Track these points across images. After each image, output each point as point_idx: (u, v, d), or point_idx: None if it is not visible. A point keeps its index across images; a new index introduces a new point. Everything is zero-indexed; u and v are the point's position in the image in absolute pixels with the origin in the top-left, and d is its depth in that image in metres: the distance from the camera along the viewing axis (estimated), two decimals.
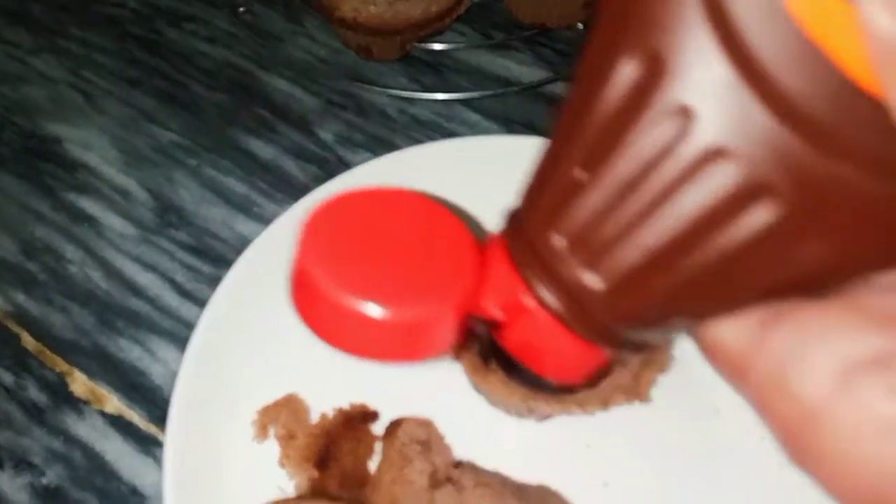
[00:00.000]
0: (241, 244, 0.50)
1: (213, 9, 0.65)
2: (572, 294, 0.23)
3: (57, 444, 0.45)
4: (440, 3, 0.56)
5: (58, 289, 0.51)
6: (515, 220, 0.25)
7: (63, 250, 0.52)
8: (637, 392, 0.39)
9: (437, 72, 0.61)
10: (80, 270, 0.51)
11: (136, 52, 0.63)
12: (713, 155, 0.19)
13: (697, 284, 0.21)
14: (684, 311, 0.22)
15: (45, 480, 0.44)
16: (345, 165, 0.55)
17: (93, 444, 0.45)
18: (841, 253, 0.19)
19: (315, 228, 0.24)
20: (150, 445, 0.45)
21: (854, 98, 0.17)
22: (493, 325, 0.25)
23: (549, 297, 0.23)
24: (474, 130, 0.57)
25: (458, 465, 0.41)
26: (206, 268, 0.51)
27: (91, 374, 0.47)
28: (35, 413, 0.46)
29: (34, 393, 0.47)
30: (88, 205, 0.54)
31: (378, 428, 0.43)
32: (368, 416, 0.43)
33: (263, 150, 0.57)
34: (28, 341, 0.49)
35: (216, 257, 0.52)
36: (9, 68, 0.62)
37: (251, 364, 0.44)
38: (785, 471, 0.41)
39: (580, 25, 0.60)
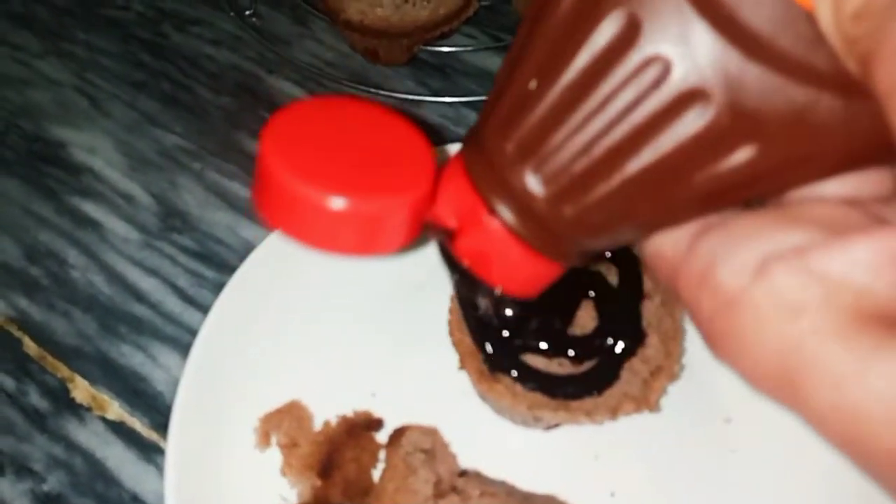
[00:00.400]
0: (245, 249, 0.49)
1: (218, 12, 0.65)
2: (521, 201, 0.24)
3: (58, 451, 0.45)
4: (447, 6, 0.56)
5: (60, 294, 0.50)
6: (472, 135, 0.26)
7: (66, 255, 0.52)
8: (646, 401, 0.38)
9: (444, 75, 0.60)
10: (83, 275, 0.51)
11: (142, 56, 0.63)
12: (652, 62, 0.20)
13: (636, 190, 0.22)
14: (624, 219, 0.23)
15: (45, 487, 0.43)
16: None
17: (94, 450, 0.45)
18: (767, 157, 0.20)
19: (278, 127, 0.25)
20: (151, 452, 0.44)
21: (788, 11, 0.19)
22: (448, 235, 0.26)
23: (501, 205, 0.24)
24: None
25: (463, 473, 0.40)
26: (209, 273, 0.51)
27: (93, 380, 0.47)
28: (36, 419, 0.46)
29: (35, 399, 0.46)
30: (92, 209, 0.54)
31: (382, 436, 0.42)
32: (372, 423, 0.42)
33: None
34: (30, 346, 0.48)
35: (220, 262, 0.51)
36: (14, 72, 0.62)
37: (254, 370, 0.43)
38: (796, 481, 0.40)
39: None
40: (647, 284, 0.41)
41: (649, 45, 0.20)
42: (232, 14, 0.63)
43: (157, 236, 0.53)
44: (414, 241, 0.27)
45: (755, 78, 0.19)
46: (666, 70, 0.20)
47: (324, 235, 0.25)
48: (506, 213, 0.24)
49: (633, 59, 0.20)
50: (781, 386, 0.19)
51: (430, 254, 0.47)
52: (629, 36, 0.20)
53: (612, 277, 0.42)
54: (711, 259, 0.21)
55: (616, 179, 0.22)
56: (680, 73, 0.20)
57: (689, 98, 0.20)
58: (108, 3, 0.66)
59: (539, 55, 0.22)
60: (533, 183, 0.23)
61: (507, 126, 0.24)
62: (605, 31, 0.21)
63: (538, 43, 0.22)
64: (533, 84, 0.23)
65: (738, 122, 0.20)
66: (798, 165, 0.21)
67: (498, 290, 0.27)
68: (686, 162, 0.21)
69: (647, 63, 0.20)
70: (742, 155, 0.20)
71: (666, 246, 0.23)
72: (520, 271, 0.26)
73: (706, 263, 0.21)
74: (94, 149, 0.57)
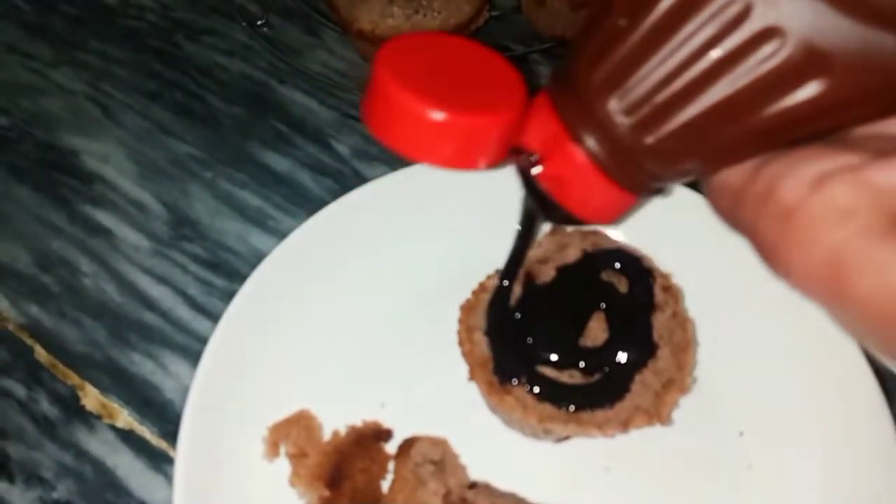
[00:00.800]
0: (256, 258, 0.49)
1: (230, 22, 0.65)
2: (603, 129, 0.26)
3: (68, 459, 0.45)
4: (458, 16, 0.56)
5: (71, 301, 0.50)
6: (559, 72, 0.29)
7: (78, 263, 0.52)
8: (658, 414, 0.37)
9: None
10: (94, 283, 0.51)
11: (155, 65, 0.63)
12: (734, 2, 0.22)
13: (711, 120, 0.24)
14: (698, 149, 0.26)
15: (55, 495, 0.44)
16: (361, 179, 0.55)
17: (104, 458, 0.45)
18: (833, 92, 0.22)
19: (391, 50, 0.29)
20: (160, 461, 0.44)
21: None
22: (531, 161, 0.29)
23: (584, 133, 0.27)
24: None
25: (473, 485, 0.40)
26: (219, 281, 0.51)
27: (103, 388, 0.47)
28: (47, 427, 0.46)
29: (46, 406, 0.46)
30: (104, 217, 0.54)
31: (391, 447, 0.42)
32: (382, 434, 0.42)
33: (279, 163, 0.56)
34: (41, 354, 0.48)
35: (230, 271, 0.51)
36: (28, 80, 0.62)
37: (263, 380, 0.43)
38: (808, 495, 0.40)
39: None
40: (658, 296, 0.41)
41: None
42: (244, 24, 0.64)
43: (167, 245, 0.53)
44: (500, 162, 0.30)
45: (827, 18, 0.21)
46: (747, 8, 0.22)
47: (424, 146, 0.29)
48: (588, 140, 0.27)
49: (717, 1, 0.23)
50: (828, 282, 0.22)
51: (439, 265, 0.47)
52: None
53: (623, 289, 0.42)
54: (774, 179, 0.23)
55: (694, 110, 0.24)
56: (760, 11, 0.22)
57: (766, 35, 0.22)
58: (122, 12, 0.67)
59: None
60: (617, 113, 0.26)
61: (595, 61, 0.26)
62: None
63: None
64: (622, 22, 0.25)
65: (808, 58, 0.22)
66: (861, 101, 0.23)
67: (572, 215, 0.30)
68: (758, 95, 0.23)
69: (730, 2, 0.22)
70: (810, 90, 0.23)
71: (730, 175, 0.25)
72: (595, 198, 0.29)
73: (769, 182, 0.24)
74: (106, 157, 0.57)
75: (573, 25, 0.57)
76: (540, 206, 0.32)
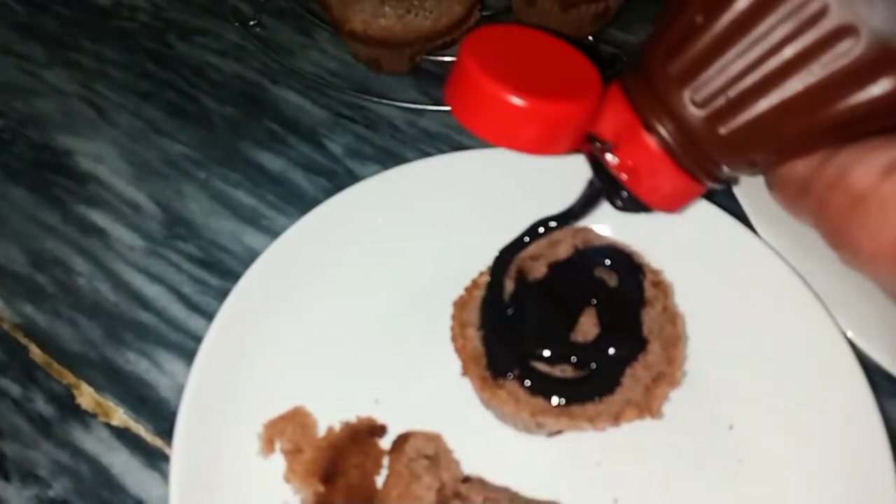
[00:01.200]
0: (250, 257, 0.49)
1: (223, 22, 0.65)
2: (677, 120, 0.28)
3: (63, 457, 0.45)
4: (450, 16, 0.56)
5: (66, 301, 0.51)
6: (633, 66, 0.30)
7: (72, 262, 0.52)
8: (649, 408, 0.38)
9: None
10: (89, 283, 0.51)
11: (148, 66, 0.63)
12: (810, 2, 0.24)
13: (783, 114, 0.25)
14: (769, 141, 0.27)
15: (51, 493, 0.44)
16: (354, 178, 0.55)
17: (99, 457, 0.45)
18: None
19: (476, 39, 0.31)
20: (156, 459, 0.45)
21: None
22: (604, 149, 0.31)
23: (658, 123, 0.28)
24: (484, 143, 0.57)
25: (467, 480, 0.40)
26: (213, 280, 0.51)
27: (98, 387, 0.47)
28: (42, 425, 0.46)
29: (41, 405, 0.47)
30: (98, 217, 0.54)
31: (386, 442, 0.42)
32: (376, 429, 0.43)
33: (273, 162, 0.57)
34: (36, 353, 0.49)
35: (224, 270, 0.51)
36: (21, 81, 0.62)
37: (258, 377, 0.43)
38: (798, 488, 0.40)
39: (590, 38, 0.60)
40: (648, 292, 0.41)
41: None
42: (236, 24, 0.64)
43: (162, 244, 0.53)
44: (574, 148, 0.32)
45: None
46: (824, 7, 0.23)
47: (507, 132, 0.31)
48: (661, 130, 0.28)
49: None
50: None
51: (432, 262, 0.48)
52: None
53: (614, 285, 0.42)
54: (844, 167, 0.25)
55: (767, 104, 0.26)
56: (836, 10, 0.23)
57: (841, 33, 0.24)
58: (115, 13, 0.67)
59: None
60: (690, 104, 0.27)
61: (671, 54, 0.27)
62: None
63: None
64: (699, 18, 0.26)
65: (882, 55, 0.23)
66: None
67: (639, 202, 0.31)
68: (831, 90, 0.24)
69: (808, 1, 0.24)
70: (882, 86, 0.24)
71: (798, 165, 0.27)
72: (664, 186, 0.30)
73: (838, 170, 0.25)
74: (100, 157, 0.58)
75: (562, 25, 0.58)
76: (608, 192, 0.33)
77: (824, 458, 0.41)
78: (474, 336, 0.40)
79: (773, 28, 0.25)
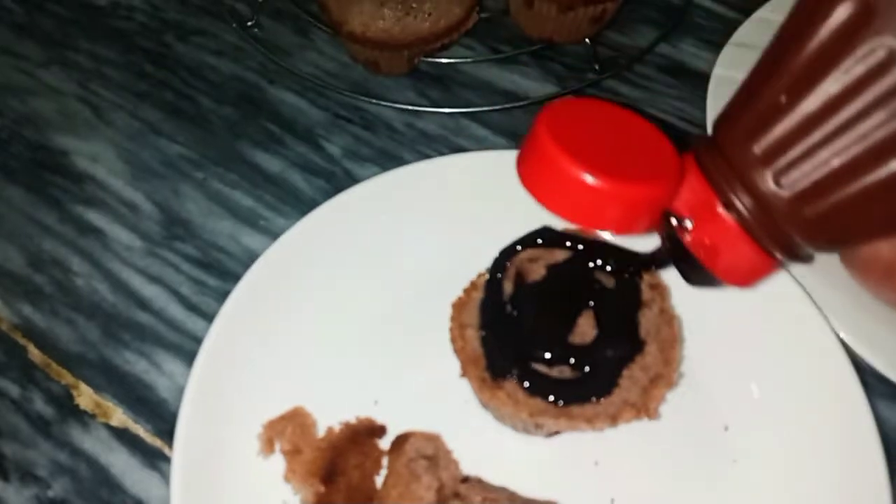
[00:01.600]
0: (248, 258, 0.50)
1: (221, 22, 0.65)
2: (760, 199, 0.27)
3: (63, 457, 0.45)
4: (448, 18, 0.57)
5: (64, 301, 0.51)
6: (708, 141, 0.30)
7: (70, 263, 0.52)
8: (646, 408, 0.38)
9: (444, 86, 0.61)
10: (87, 283, 0.51)
11: (145, 66, 0.63)
12: None
13: (877, 196, 0.25)
14: (859, 222, 0.27)
15: (50, 493, 0.44)
16: (352, 179, 0.55)
17: (98, 457, 0.45)
18: None
19: (553, 115, 0.31)
20: (155, 459, 0.45)
21: None
22: (680, 227, 0.30)
23: (738, 203, 0.28)
24: (482, 145, 0.57)
25: (466, 480, 0.41)
26: (212, 281, 0.51)
27: (97, 387, 0.47)
28: (41, 425, 0.46)
29: (40, 405, 0.47)
30: (95, 217, 0.54)
31: (385, 443, 0.43)
32: (376, 430, 0.43)
33: (270, 163, 0.57)
34: (34, 354, 0.49)
35: (222, 270, 0.52)
36: (17, 81, 0.62)
37: (257, 378, 0.44)
38: (792, 488, 0.41)
39: (587, 40, 0.60)
40: (646, 294, 0.42)
41: None
42: (234, 25, 0.64)
43: (160, 244, 0.53)
44: (653, 227, 0.31)
45: None
46: None
47: (584, 212, 0.30)
48: (741, 208, 0.28)
49: (887, 82, 0.23)
50: None
51: (431, 264, 0.48)
52: (887, 63, 0.23)
53: (611, 287, 0.42)
54: None
55: (856, 186, 0.25)
56: None
57: None
58: (112, 13, 0.67)
59: (793, 73, 0.26)
60: (774, 184, 0.27)
61: (754, 133, 0.27)
62: (862, 59, 0.24)
63: (792, 63, 0.26)
64: (783, 98, 0.26)
65: None
66: None
67: (720, 280, 0.31)
68: None
69: None
70: None
71: (883, 248, 0.28)
72: (742, 263, 0.30)
73: None
74: (97, 158, 0.58)
75: (560, 28, 0.58)
76: (682, 268, 0.33)
77: (818, 458, 0.41)
78: (473, 337, 0.41)
79: (864, 113, 0.24)
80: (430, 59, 0.61)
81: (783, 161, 0.26)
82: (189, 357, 0.43)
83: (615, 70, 0.60)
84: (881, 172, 0.24)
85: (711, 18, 0.64)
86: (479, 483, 0.40)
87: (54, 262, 0.52)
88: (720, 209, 0.28)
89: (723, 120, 0.29)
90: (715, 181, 0.29)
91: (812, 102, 0.25)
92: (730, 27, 0.58)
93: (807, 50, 0.25)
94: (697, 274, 0.32)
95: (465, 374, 0.40)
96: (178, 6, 0.67)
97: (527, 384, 0.38)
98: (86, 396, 0.47)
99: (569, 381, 0.39)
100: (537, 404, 0.38)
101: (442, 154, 0.53)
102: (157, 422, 0.46)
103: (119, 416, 0.46)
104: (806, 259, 0.30)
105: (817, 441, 0.41)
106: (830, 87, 0.24)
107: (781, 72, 0.26)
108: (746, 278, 0.31)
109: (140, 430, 0.46)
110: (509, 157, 0.53)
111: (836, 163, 0.25)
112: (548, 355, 0.39)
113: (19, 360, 0.48)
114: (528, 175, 0.31)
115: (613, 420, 0.38)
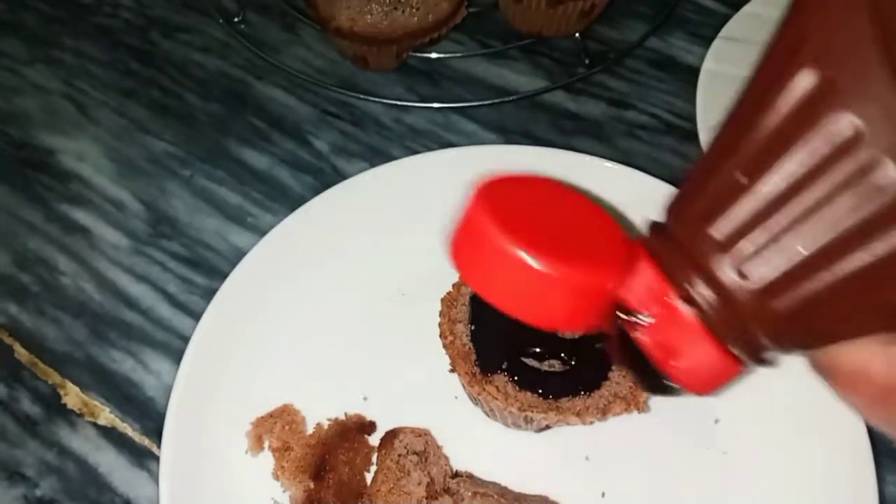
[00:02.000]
0: (235, 255, 0.49)
1: (207, 19, 0.65)
2: (722, 294, 0.23)
3: (50, 457, 0.45)
4: (436, 13, 0.56)
5: (50, 300, 0.50)
6: (661, 227, 0.26)
7: (56, 262, 0.52)
8: (635, 401, 0.38)
9: (433, 81, 0.61)
10: (73, 282, 0.51)
11: (130, 63, 0.63)
12: (873, 168, 0.20)
13: (843, 295, 0.22)
14: (838, 316, 0.23)
15: (38, 493, 0.43)
16: (340, 175, 0.55)
17: (86, 456, 0.45)
18: None
19: (486, 191, 0.27)
20: (143, 458, 0.44)
21: None
22: (631, 324, 0.26)
23: (698, 296, 0.24)
24: (471, 139, 0.57)
25: (456, 475, 0.40)
26: (199, 279, 0.51)
27: (84, 386, 0.47)
28: (28, 425, 0.46)
29: (27, 405, 0.46)
30: (81, 216, 0.54)
31: (375, 439, 0.42)
32: (365, 426, 0.43)
33: (258, 160, 0.57)
34: (21, 353, 0.48)
35: (209, 268, 0.51)
36: (2, 79, 0.62)
37: (245, 375, 0.43)
38: (782, 480, 0.41)
39: (577, 35, 0.60)
40: None
41: (872, 149, 0.20)
42: (221, 21, 0.64)
43: (146, 242, 0.53)
44: (598, 323, 0.27)
45: None
46: (889, 179, 0.20)
47: (526, 301, 0.26)
48: (703, 303, 0.24)
49: (854, 161, 0.21)
50: None
51: (419, 259, 0.48)
52: (854, 141, 0.21)
53: None
54: None
55: (830, 278, 0.22)
56: None
57: None
58: (97, 10, 0.66)
59: (752, 150, 0.23)
60: (739, 275, 0.23)
61: (712, 217, 0.23)
62: (826, 137, 0.21)
63: (754, 139, 0.23)
64: (742, 178, 0.23)
65: None
66: None
67: (676, 385, 0.27)
68: None
69: (872, 164, 0.20)
70: None
71: (874, 365, 0.22)
72: (704, 366, 0.26)
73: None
74: (83, 156, 0.57)
75: (549, 22, 0.58)
76: (634, 372, 0.29)
77: (808, 450, 0.41)
78: (463, 332, 0.41)
79: (831, 196, 0.21)
80: (418, 54, 0.60)
81: (746, 248, 0.23)
82: (176, 355, 0.43)
83: (605, 64, 0.60)
84: (855, 262, 0.21)
85: (701, 13, 0.64)
86: (470, 478, 0.40)
87: (40, 261, 0.52)
88: (678, 303, 0.25)
89: (677, 202, 0.26)
90: (670, 271, 0.25)
91: (774, 183, 0.22)
92: (719, 21, 0.58)
93: (766, 124, 0.22)
94: (652, 379, 0.28)
95: (454, 369, 0.40)
96: (163, 3, 0.67)
97: (516, 378, 0.38)
98: (73, 395, 0.46)
99: (558, 374, 0.39)
100: (527, 398, 0.38)
101: (431, 149, 0.53)
102: (145, 421, 0.45)
103: (106, 415, 0.46)
104: (772, 363, 0.26)
105: (807, 433, 0.41)
106: (792, 166, 0.22)
107: (739, 148, 0.23)
108: (707, 384, 0.27)
109: (128, 429, 0.45)
110: (499, 151, 0.53)
111: (805, 251, 0.22)
112: (537, 349, 0.39)
113: (6, 359, 0.48)
114: (462, 257, 0.28)
115: (603, 413, 0.38)
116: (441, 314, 0.42)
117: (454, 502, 0.38)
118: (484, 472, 0.41)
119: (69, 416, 0.46)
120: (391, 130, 0.58)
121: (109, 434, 0.45)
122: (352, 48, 0.58)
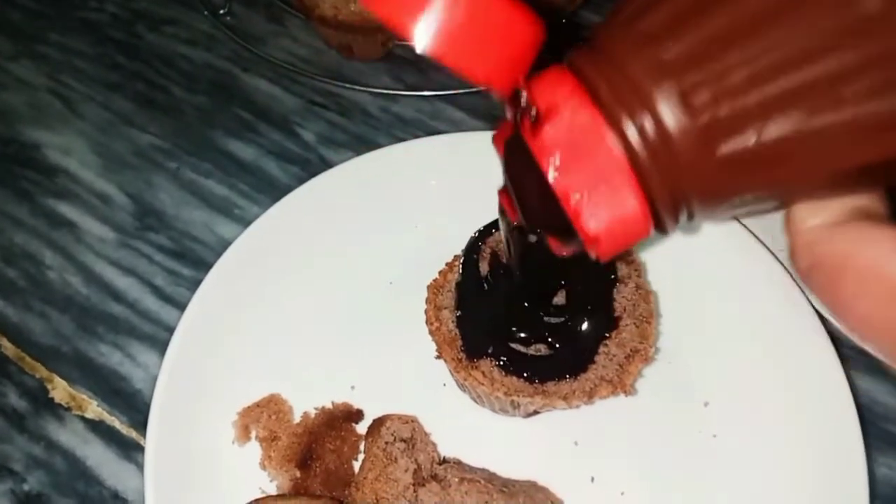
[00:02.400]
0: (222, 247, 0.49)
1: (192, 11, 0.64)
2: (660, 128, 0.19)
3: (38, 451, 0.44)
4: None
5: (37, 294, 0.50)
6: (592, 44, 0.21)
7: (42, 256, 0.52)
8: (622, 384, 0.38)
9: (419, 69, 0.60)
10: (60, 276, 0.51)
11: (116, 57, 0.62)
12: None
13: (801, 140, 0.18)
14: (782, 170, 0.19)
15: (26, 487, 0.43)
16: (327, 165, 0.55)
17: (74, 449, 0.44)
18: None
19: None
20: (131, 450, 0.44)
21: None
22: (527, 120, 0.22)
23: (629, 127, 0.20)
24: (459, 128, 0.57)
25: (444, 461, 0.40)
26: (186, 271, 0.51)
27: (71, 380, 0.47)
28: (15, 419, 0.45)
29: (14, 399, 0.46)
30: (67, 210, 0.54)
31: (363, 427, 0.42)
32: (353, 414, 0.43)
33: (244, 151, 0.56)
34: (7, 347, 0.48)
35: (196, 260, 0.51)
36: None
37: (231, 366, 0.43)
38: (772, 462, 0.40)
39: (563, 21, 0.59)
40: (622, 270, 0.41)
41: None
42: (206, 13, 0.63)
43: (133, 235, 0.52)
44: (505, 81, 0.23)
45: None
46: None
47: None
48: (635, 139, 0.20)
49: None
50: None
51: (405, 247, 0.48)
52: None
53: (587, 264, 0.42)
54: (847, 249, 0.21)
55: (793, 123, 0.18)
56: None
57: None
58: (82, 4, 0.66)
59: None
60: (686, 109, 0.19)
61: (662, 35, 0.19)
62: None
63: None
64: None
65: None
66: None
67: (576, 242, 0.23)
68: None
69: None
70: None
71: (892, 265, 0.21)
72: (612, 212, 0.21)
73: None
74: (68, 150, 0.57)
75: (539, 5, 0.58)
76: (515, 190, 0.24)
77: (797, 431, 0.41)
78: (448, 318, 0.40)
79: (809, 12, 0.17)
80: (404, 43, 0.60)
81: (697, 75, 0.18)
82: (164, 348, 0.42)
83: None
84: (821, 101, 0.18)
85: None
86: (458, 464, 0.40)
87: (26, 256, 0.52)
88: (607, 134, 0.20)
89: (616, 14, 0.21)
90: (599, 95, 0.20)
91: None
92: None
93: None
94: (537, 211, 0.23)
95: (441, 355, 0.40)
96: None
97: (502, 363, 0.38)
98: (60, 389, 0.46)
99: (544, 358, 0.39)
100: (513, 383, 0.38)
101: (418, 138, 0.52)
102: (133, 413, 0.45)
103: (94, 409, 0.46)
104: (682, 228, 0.22)
105: (796, 414, 0.41)
106: None
107: None
108: (608, 238, 0.22)
109: (115, 422, 0.45)
110: (486, 139, 0.52)
111: (776, 80, 0.18)
112: (523, 333, 0.39)
113: None
114: None
115: (590, 396, 0.38)
116: (427, 301, 0.41)
117: (441, 489, 0.38)
118: (472, 458, 0.41)
119: (56, 410, 0.46)
120: (378, 120, 0.58)
121: (97, 427, 0.45)
122: (337, 37, 0.58)
